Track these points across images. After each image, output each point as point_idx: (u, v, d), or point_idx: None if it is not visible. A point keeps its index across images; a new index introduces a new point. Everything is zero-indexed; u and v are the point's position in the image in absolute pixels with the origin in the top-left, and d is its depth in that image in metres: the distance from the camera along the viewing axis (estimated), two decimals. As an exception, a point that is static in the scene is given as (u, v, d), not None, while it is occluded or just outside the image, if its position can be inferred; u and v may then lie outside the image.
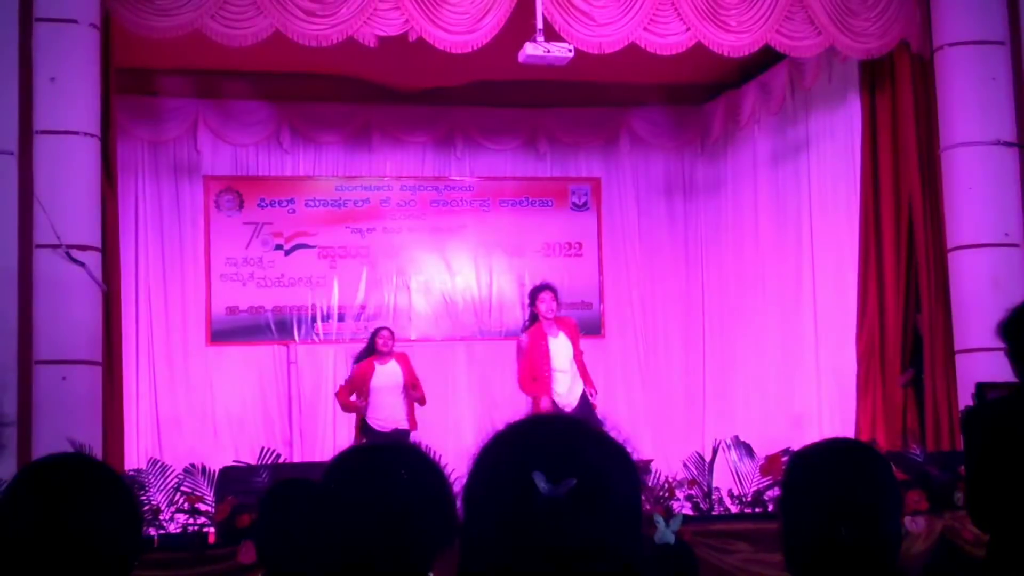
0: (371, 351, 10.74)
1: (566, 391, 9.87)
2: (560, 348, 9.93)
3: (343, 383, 11.03)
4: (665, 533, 3.30)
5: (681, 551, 3.36)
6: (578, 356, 9.98)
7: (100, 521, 2.18)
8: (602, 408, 10.12)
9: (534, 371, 9.85)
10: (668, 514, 3.43)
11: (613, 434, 1.57)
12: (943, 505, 7.64)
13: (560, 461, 1.48)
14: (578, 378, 9.93)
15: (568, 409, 9.75)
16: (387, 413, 10.60)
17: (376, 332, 10.90)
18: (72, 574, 2.12)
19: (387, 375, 10.64)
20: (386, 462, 2.36)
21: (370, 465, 2.37)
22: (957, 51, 9.43)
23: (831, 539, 2.37)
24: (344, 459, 2.41)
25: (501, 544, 1.45)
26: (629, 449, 1.57)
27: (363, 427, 10.70)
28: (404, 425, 10.63)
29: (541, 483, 1.44)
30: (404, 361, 10.79)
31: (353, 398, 10.71)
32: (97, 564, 2.15)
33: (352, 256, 12.88)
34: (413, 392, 10.64)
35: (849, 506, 2.38)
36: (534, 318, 10.08)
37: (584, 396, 9.90)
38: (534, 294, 10.16)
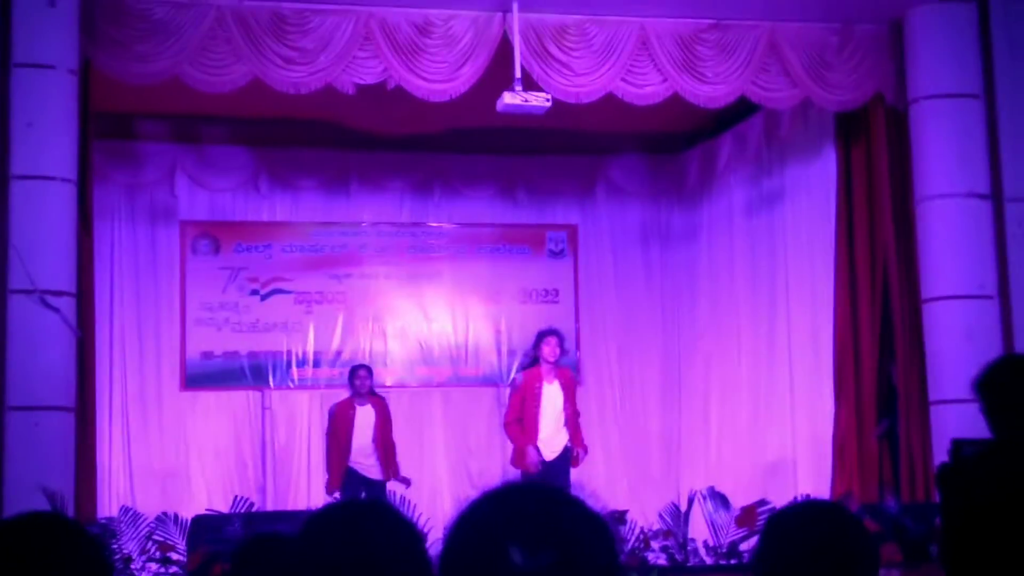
0: (351, 391, 10.77)
1: (548, 440, 9.83)
2: (551, 395, 9.91)
3: (326, 434, 10.92)
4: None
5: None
6: (570, 411, 9.93)
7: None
8: (581, 463, 10.08)
9: (523, 413, 9.82)
10: (643, 569, 3.42)
11: (590, 502, 1.56)
12: (918, 558, 7.64)
13: (538, 532, 1.46)
14: (563, 431, 9.88)
15: (548, 459, 9.72)
16: (361, 458, 10.54)
17: (353, 371, 10.87)
18: None
19: (362, 418, 10.61)
20: (361, 520, 2.34)
21: (344, 523, 2.35)
22: (932, 104, 9.51)
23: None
24: (319, 517, 2.39)
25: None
26: (606, 519, 1.56)
27: (336, 471, 10.54)
28: (378, 476, 10.54)
29: (517, 556, 1.43)
30: (379, 406, 10.74)
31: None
32: None
33: (328, 301, 12.84)
34: (387, 434, 10.62)
35: (825, 569, 2.37)
36: (535, 361, 10.06)
37: (566, 451, 9.85)
38: (540, 337, 10.15)
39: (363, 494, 10.34)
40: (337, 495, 10.40)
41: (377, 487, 10.48)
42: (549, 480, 9.51)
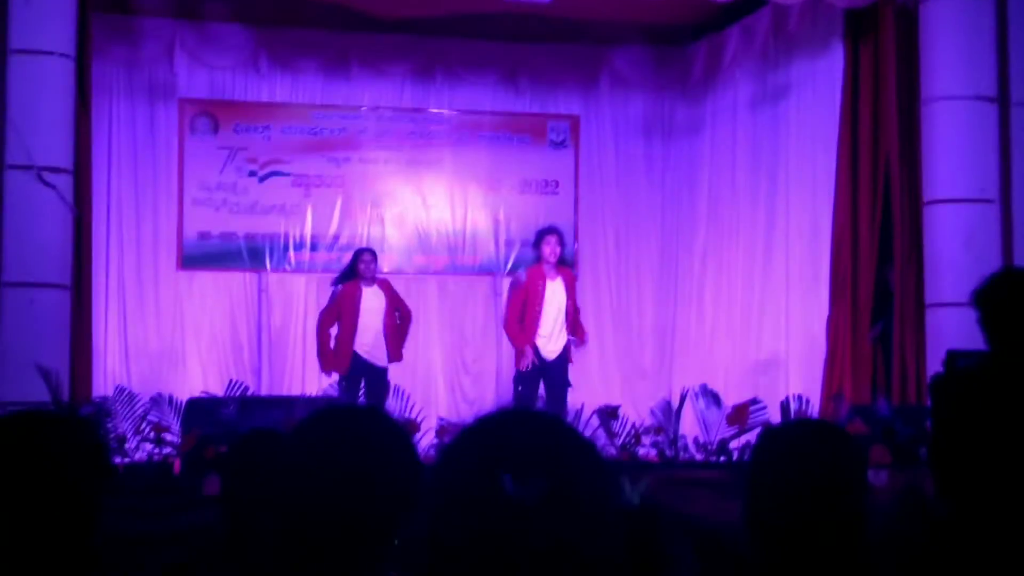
0: (352, 275, 10.53)
1: (548, 338, 9.81)
2: (554, 293, 9.89)
3: (324, 310, 10.74)
4: (631, 495, 3.29)
5: (644, 514, 3.36)
6: (571, 309, 9.92)
7: (64, 467, 2.22)
8: (577, 358, 10.11)
9: (524, 311, 9.80)
10: (636, 479, 3.43)
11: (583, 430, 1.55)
12: (907, 460, 7.70)
13: (529, 461, 1.46)
14: (564, 331, 9.87)
15: (549, 359, 9.71)
16: (370, 341, 10.39)
17: (358, 255, 10.69)
18: (45, 515, 2.17)
19: (371, 300, 10.46)
20: (354, 425, 2.34)
21: (337, 427, 2.35)
22: (942, 3, 9.37)
23: (797, 517, 2.37)
24: (312, 419, 2.39)
25: (470, 546, 1.44)
26: (598, 448, 1.55)
27: (344, 353, 10.37)
28: (383, 362, 10.45)
29: (510, 484, 1.42)
30: (387, 288, 10.64)
31: (333, 331, 10.44)
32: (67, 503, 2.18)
33: (327, 185, 12.78)
34: (399, 316, 10.53)
35: (816, 485, 2.38)
36: (536, 260, 10.03)
37: (565, 352, 9.86)
38: (540, 236, 10.07)
39: (363, 380, 10.34)
40: (335, 378, 10.35)
41: (380, 373, 10.40)
42: (549, 379, 9.56)
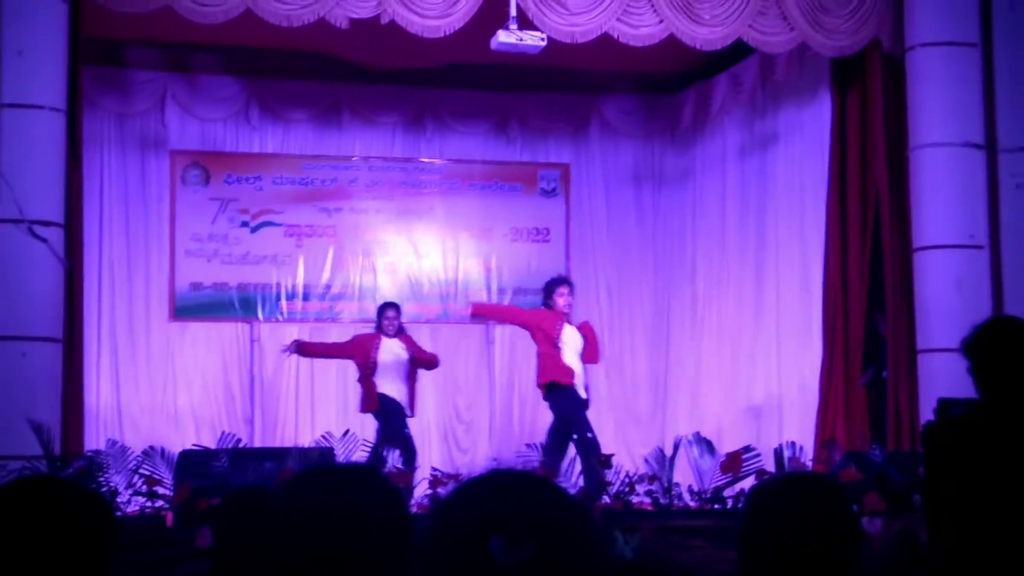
0: (377, 328, 10.76)
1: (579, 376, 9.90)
2: (572, 336, 9.92)
3: (328, 343, 11.19)
4: (623, 549, 3.29)
5: (638, 568, 3.36)
6: (589, 356, 10.02)
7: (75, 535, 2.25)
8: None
9: (537, 340, 9.96)
10: (630, 530, 3.43)
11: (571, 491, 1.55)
12: (901, 506, 7.68)
13: (518, 525, 1.46)
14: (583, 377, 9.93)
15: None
16: (393, 390, 10.53)
17: (382, 310, 10.87)
18: None
19: (392, 351, 10.59)
20: (344, 484, 2.34)
21: (328, 486, 2.35)
22: (929, 52, 9.45)
23: (790, 573, 2.36)
24: (302, 477, 2.40)
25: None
26: (587, 509, 1.55)
27: (372, 397, 10.55)
28: (408, 412, 10.63)
29: (499, 549, 1.42)
30: (408, 340, 10.78)
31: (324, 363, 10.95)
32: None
33: (319, 235, 12.80)
34: (421, 360, 10.71)
35: (809, 540, 2.38)
36: (549, 309, 10.08)
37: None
38: (551, 286, 10.14)
39: (406, 430, 10.46)
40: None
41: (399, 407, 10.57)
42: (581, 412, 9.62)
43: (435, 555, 1.51)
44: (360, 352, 10.62)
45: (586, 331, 10.03)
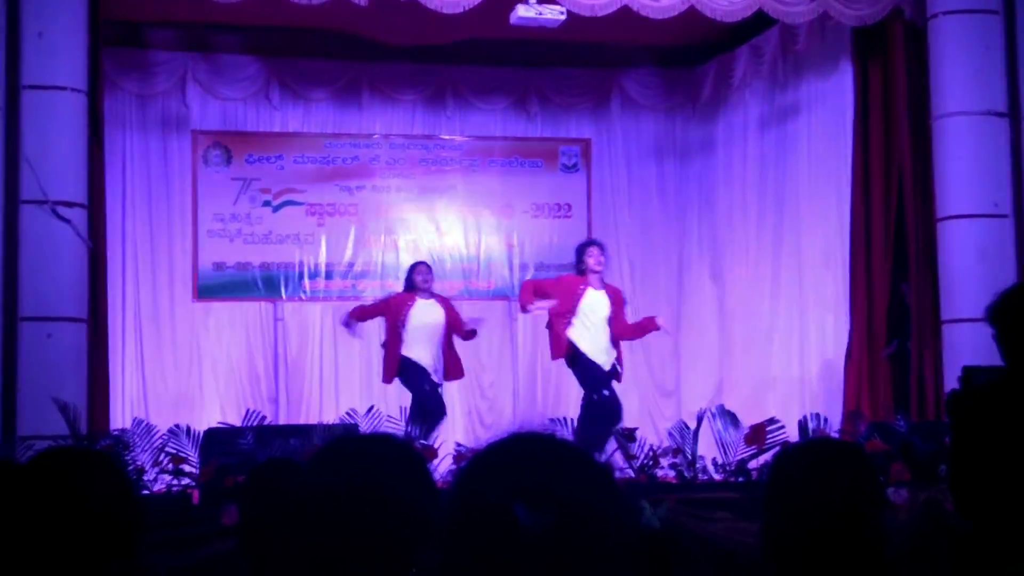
0: (409, 287, 10.46)
1: (597, 350, 9.84)
2: (597, 301, 9.87)
3: (366, 304, 10.87)
4: (651, 519, 3.29)
5: (665, 537, 3.36)
6: (617, 326, 9.94)
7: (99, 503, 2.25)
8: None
9: (551, 299, 9.86)
10: (656, 501, 3.44)
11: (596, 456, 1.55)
12: (926, 477, 7.65)
13: (542, 489, 1.46)
14: (611, 348, 9.90)
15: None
16: (423, 354, 10.24)
17: (413, 268, 10.60)
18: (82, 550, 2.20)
19: (427, 313, 10.31)
20: (370, 453, 2.35)
21: (354, 455, 2.36)
22: (951, 20, 9.38)
23: (815, 537, 2.36)
24: (329, 447, 2.41)
25: (483, 573, 1.44)
26: (611, 473, 1.54)
27: (399, 361, 10.24)
28: (436, 378, 10.32)
29: (523, 513, 1.42)
30: (447, 303, 10.55)
31: (356, 327, 10.51)
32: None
33: (340, 214, 12.82)
34: (461, 330, 10.43)
35: (834, 504, 2.37)
36: (581, 273, 10.01)
37: (614, 368, 9.93)
38: (582, 249, 10.09)
39: (426, 386, 10.21)
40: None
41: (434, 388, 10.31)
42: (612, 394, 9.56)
43: (458, 521, 1.51)
44: (392, 311, 10.32)
45: (615, 297, 10.01)
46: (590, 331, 9.84)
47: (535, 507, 1.43)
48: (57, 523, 2.20)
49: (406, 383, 10.28)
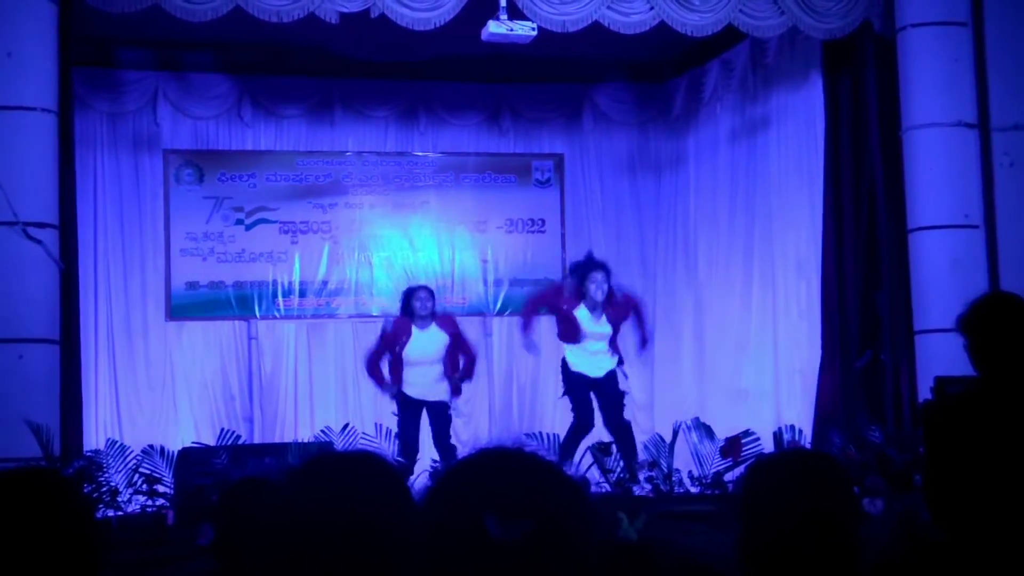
0: (407, 312, 9.89)
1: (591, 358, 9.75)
2: (600, 326, 9.75)
3: (371, 350, 10.09)
4: (628, 531, 3.29)
5: (642, 550, 3.36)
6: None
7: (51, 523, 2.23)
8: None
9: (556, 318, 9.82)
10: (634, 513, 3.44)
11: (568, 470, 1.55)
12: (902, 487, 7.69)
13: (514, 501, 1.45)
14: (609, 353, 9.76)
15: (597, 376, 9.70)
16: (421, 388, 9.80)
17: (411, 293, 10.00)
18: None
19: (426, 344, 9.77)
20: (347, 472, 2.33)
21: (330, 473, 2.34)
22: (920, 32, 9.45)
23: (790, 548, 2.36)
24: (305, 466, 2.39)
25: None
26: (582, 486, 1.54)
27: (399, 396, 9.88)
28: (443, 396, 9.89)
29: (494, 526, 1.42)
30: (450, 327, 9.94)
31: (385, 372, 9.80)
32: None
33: (314, 231, 12.79)
34: (457, 375, 9.85)
35: (808, 514, 2.38)
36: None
37: (614, 372, 9.77)
38: (581, 273, 9.88)
39: (422, 412, 9.87)
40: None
41: (439, 407, 9.88)
42: (601, 396, 9.52)
43: (431, 533, 1.51)
44: (388, 344, 9.84)
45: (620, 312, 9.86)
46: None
47: (506, 519, 1.43)
48: (7, 545, 2.19)
49: (418, 417, 9.91)
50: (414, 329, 9.81)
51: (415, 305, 9.82)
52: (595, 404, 9.56)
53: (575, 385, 9.63)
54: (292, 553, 2.20)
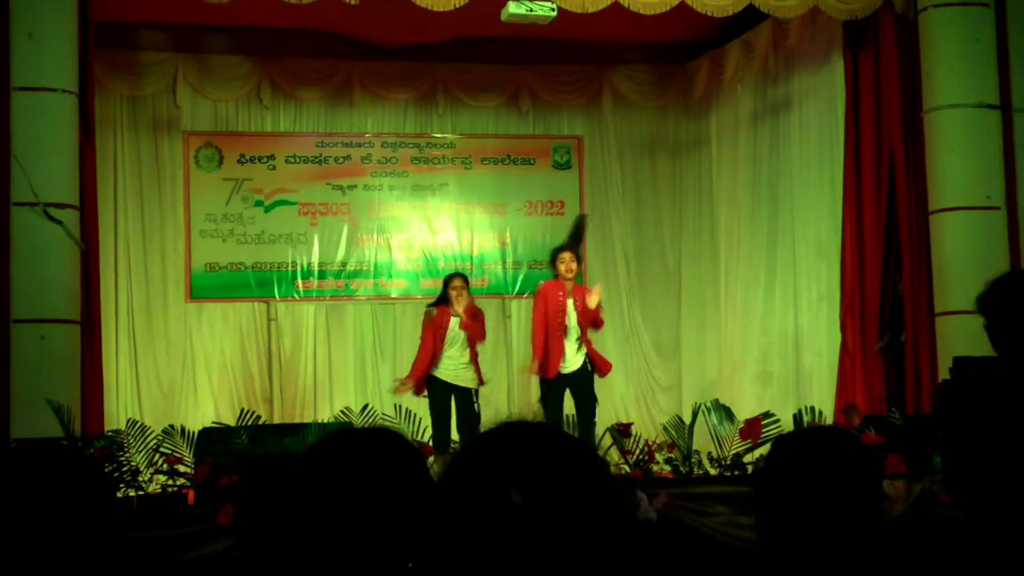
0: (444, 300, 10.01)
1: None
2: (573, 308, 9.60)
3: (423, 337, 10.09)
4: (649, 511, 3.29)
5: (663, 529, 3.36)
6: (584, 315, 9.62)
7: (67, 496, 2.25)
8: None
9: (547, 322, 9.59)
10: (654, 493, 3.43)
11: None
12: (922, 468, 7.67)
13: (536, 472, 1.45)
14: (582, 347, 9.61)
15: (567, 372, 9.55)
16: (451, 367, 9.91)
17: (448, 281, 10.15)
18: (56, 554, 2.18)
19: (457, 329, 9.93)
20: (365, 447, 2.34)
21: (349, 449, 2.36)
22: (941, 12, 9.39)
23: (811, 524, 2.36)
24: (325, 441, 2.40)
25: (478, 557, 1.43)
26: (604, 459, 1.54)
27: (417, 374, 9.93)
28: (469, 384, 9.95)
29: (517, 496, 1.42)
30: (468, 310, 10.01)
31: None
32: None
33: (333, 213, 12.80)
34: (472, 327, 9.94)
35: (830, 491, 2.37)
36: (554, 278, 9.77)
37: (586, 366, 9.58)
38: (554, 255, 9.83)
39: (451, 398, 9.90)
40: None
41: (467, 394, 9.91)
42: (576, 393, 9.45)
43: (453, 501, 1.51)
44: (435, 327, 9.93)
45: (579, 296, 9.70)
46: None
47: (529, 489, 1.43)
48: (24, 516, 2.20)
49: (448, 402, 9.93)
50: (451, 316, 9.94)
51: (451, 295, 9.96)
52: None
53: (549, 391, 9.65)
54: (311, 526, 2.22)
